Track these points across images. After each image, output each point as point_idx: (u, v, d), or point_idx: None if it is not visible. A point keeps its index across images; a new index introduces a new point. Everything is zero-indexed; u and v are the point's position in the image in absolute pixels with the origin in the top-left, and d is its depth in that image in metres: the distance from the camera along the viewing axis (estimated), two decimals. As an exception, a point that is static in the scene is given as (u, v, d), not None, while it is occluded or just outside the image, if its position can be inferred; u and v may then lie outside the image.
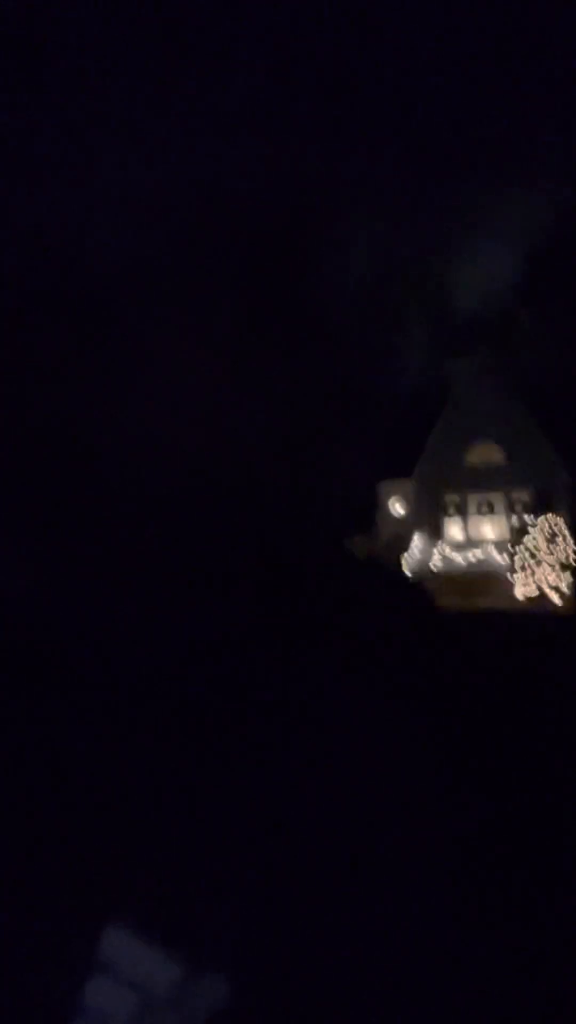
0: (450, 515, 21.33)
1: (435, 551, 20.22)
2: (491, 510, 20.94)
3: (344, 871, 4.20)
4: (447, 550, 20.20)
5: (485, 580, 19.03)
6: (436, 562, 20.04)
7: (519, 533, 19.21)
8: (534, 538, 18.54)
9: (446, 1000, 3.10)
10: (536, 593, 18.02)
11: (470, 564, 19.60)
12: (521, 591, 18.28)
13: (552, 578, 18.05)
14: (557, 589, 17.91)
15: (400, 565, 20.02)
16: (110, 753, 6.46)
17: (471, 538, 20.68)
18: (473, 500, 21.19)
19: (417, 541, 20.64)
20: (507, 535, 19.77)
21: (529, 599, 18.08)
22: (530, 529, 18.72)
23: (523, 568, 18.44)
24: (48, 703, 8.10)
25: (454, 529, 21.19)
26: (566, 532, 18.62)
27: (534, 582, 18.11)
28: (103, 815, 4.91)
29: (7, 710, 7.91)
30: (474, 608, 17.56)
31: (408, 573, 19.79)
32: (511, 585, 18.48)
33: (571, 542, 18.47)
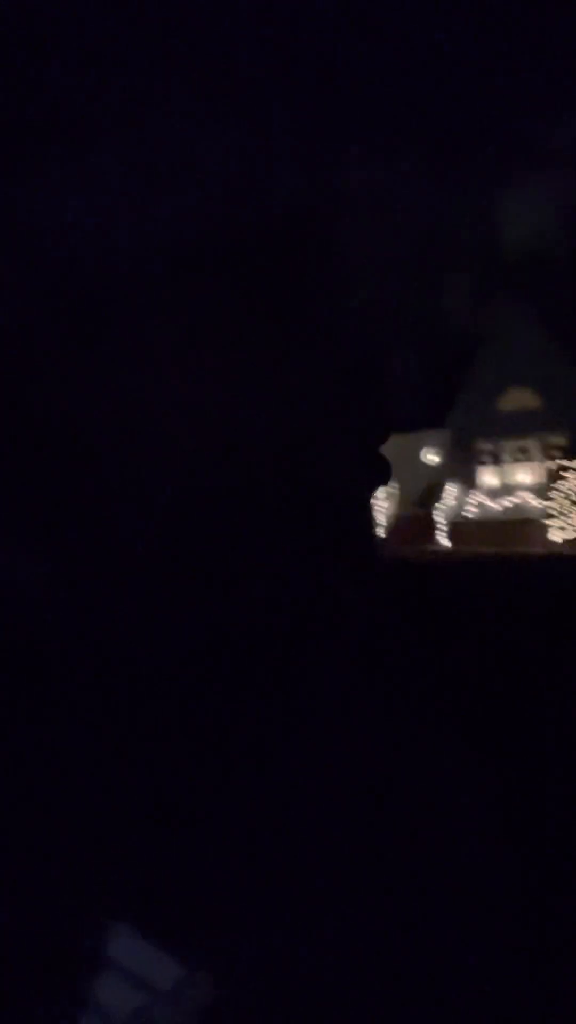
0: (484, 463, 21.22)
1: (469, 499, 20.26)
2: (527, 456, 20.75)
3: (346, 866, 4.40)
4: (482, 498, 20.19)
5: (521, 526, 18.98)
6: (471, 510, 20.06)
7: (555, 478, 19.05)
8: (570, 482, 18.43)
9: (450, 997, 3.27)
10: (572, 537, 17.98)
11: (506, 510, 19.59)
12: (559, 535, 18.23)
13: (590, 521, 17.97)
14: (595, 532, 17.83)
15: (432, 515, 20.12)
16: (112, 750, 6.81)
17: (506, 485, 20.59)
18: (508, 447, 21.02)
19: (451, 490, 20.63)
20: (543, 480, 19.61)
21: (567, 542, 18.04)
22: (565, 473, 18.57)
23: (560, 512, 18.37)
24: (48, 701, 8.52)
25: (489, 476, 21.09)
26: (604, 475, 18.44)
27: (571, 525, 18.06)
28: (105, 812, 5.22)
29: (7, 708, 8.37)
30: (510, 553, 17.60)
31: (442, 522, 19.87)
32: (547, 529, 18.44)
33: (609, 484, 18.30)
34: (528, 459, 20.71)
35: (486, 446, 21.26)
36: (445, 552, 18.76)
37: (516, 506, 19.55)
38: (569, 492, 18.30)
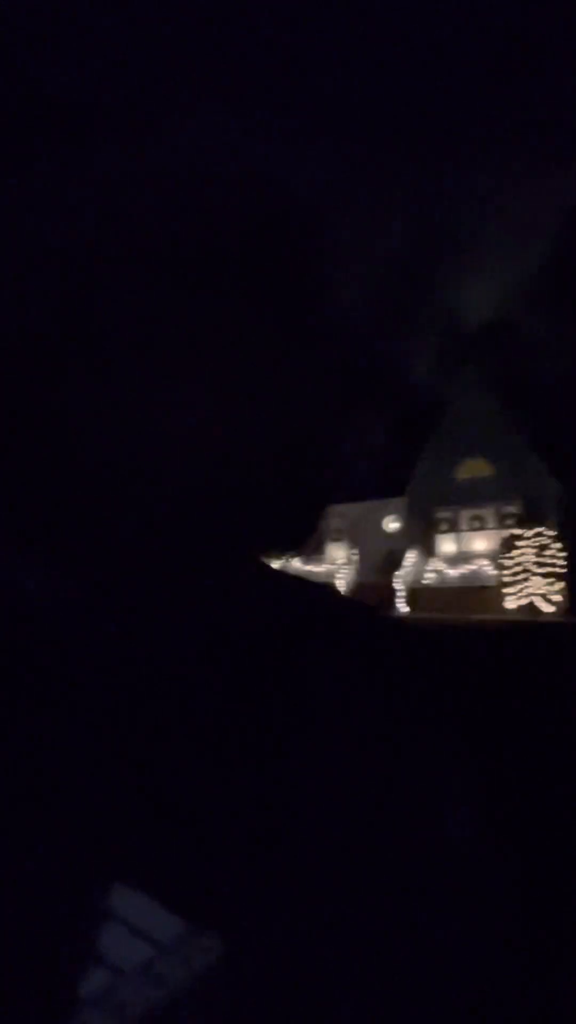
0: (442, 531, 21.86)
1: (428, 567, 20.77)
2: (482, 525, 21.44)
3: (347, 840, 4.44)
4: (440, 565, 20.72)
5: (478, 593, 19.49)
6: (429, 577, 20.55)
7: (510, 546, 19.66)
8: (523, 551, 19.02)
9: (451, 969, 3.35)
10: (526, 603, 18.52)
11: (463, 578, 20.11)
12: (512, 602, 18.76)
13: (542, 588, 18.54)
14: (547, 599, 18.39)
15: (392, 581, 20.53)
16: (112, 727, 6.77)
17: (463, 552, 21.19)
18: (464, 515, 21.71)
19: (411, 557, 21.14)
20: (497, 548, 20.24)
21: (520, 609, 18.56)
22: (519, 543, 19.20)
23: (513, 580, 18.92)
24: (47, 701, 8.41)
25: (447, 544, 21.69)
26: (555, 544, 19.10)
27: (524, 594, 18.60)
28: (108, 784, 5.22)
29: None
30: (466, 621, 18.02)
31: (401, 588, 20.29)
32: (503, 597, 18.97)
33: (560, 553, 18.95)
34: (483, 527, 21.41)
35: (444, 514, 21.95)
36: (403, 618, 19.11)
37: (472, 573, 20.08)
38: (521, 561, 18.90)
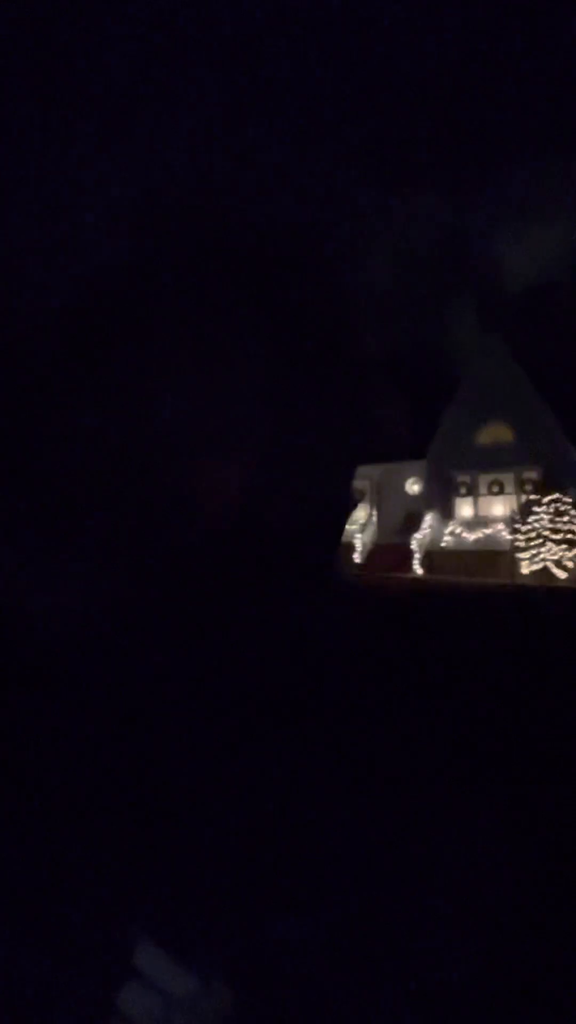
0: (461, 495, 22.22)
1: (446, 530, 21.22)
2: (501, 489, 21.74)
3: (346, 887, 4.39)
4: (458, 529, 21.15)
5: (493, 557, 19.91)
6: (446, 540, 21.03)
7: (527, 511, 19.97)
8: (540, 517, 19.34)
9: (447, 1012, 3.40)
10: (540, 568, 18.92)
11: (478, 542, 20.54)
12: (527, 567, 19.17)
13: (557, 554, 18.92)
14: (561, 564, 18.78)
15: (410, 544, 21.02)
16: (126, 774, 6.89)
17: (481, 517, 21.56)
18: (484, 480, 22.01)
19: (429, 520, 21.57)
20: (515, 513, 20.57)
21: (534, 574, 18.97)
22: (536, 508, 19.52)
23: (528, 545, 19.30)
24: (56, 721, 8.58)
25: (465, 508, 22.07)
26: (573, 510, 19.38)
27: (539, 559, 19.00)
28: (127, 832, 5.11)
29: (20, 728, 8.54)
30: (481, 585, 18.51)
31: (417, 551, 20.77)
32: (517, 562, 19.39)
33: (577, 519, 19.26)
34: (502, 492, 21.72)
35: (463, 478, 22.27)
36: (419, 580, 19.67)
37: (488, 537, 20.49)
38: (538, 527, 19.24)
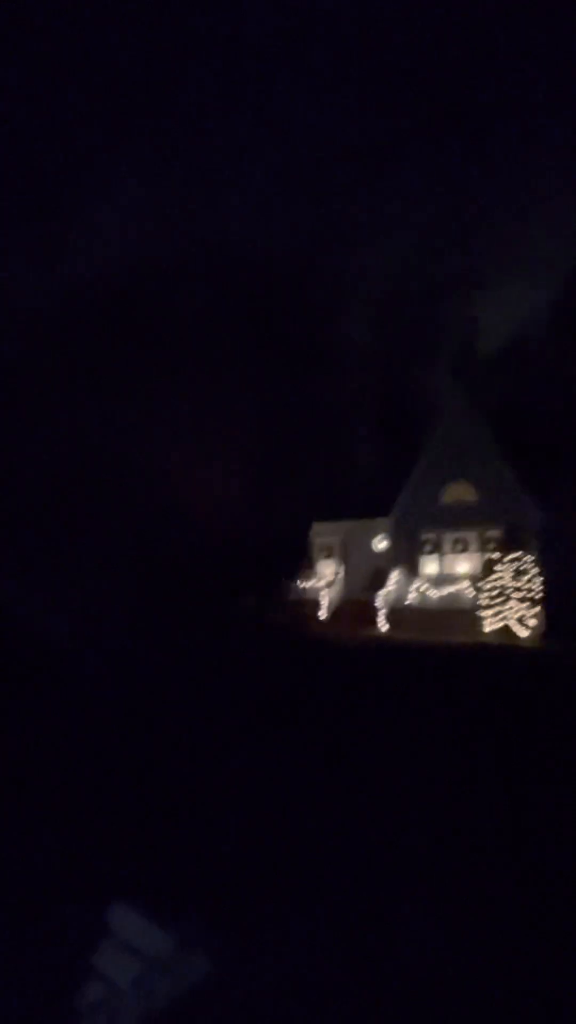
0: (427, 552, 22.63)
1: (411, 587, 21.54)
2: (465, 548, 22.20)
3: (340, 851, 4.62)
4: (423, 586, 21.48)
5: (458, 615, 20.24)
6: (412, 597, 21.33)
7: (490, 570, 20.38)
8: (502, 575, 19.76)
9: (437, 991, 3.40)
10: (501, 626, 19.27)
11: (444, 599, 20.88)
12: (489, 625, 19.51)
13: (518, 612, 19.29)
14: (522, 623, 19.14)
15: (376, 600, 21.27)
16: (115, 748, 7.37)
17: (446, 574, 21.95)
18: (448, 538, 22.47)
19: (395, 577, 21.90)
20: (479, 571, 20.98)
21: (496, 632, 19.30)
22: (498, 567, 19.95)
23: (491, 603, 19.67)
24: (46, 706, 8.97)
25: (430, 566, 22.47)
26: (533, 569, 19.83)
27: (501, 617, 19.36)
28: (112, 806, 5.39)
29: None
30: (444, 642, 18.76)
31: (382, 607, 21.03)
32: (479, 620, 19.72)
33: (538, 579, 19.70)
34: (466, 550, 22.17)
35: (428, 536, 22.72)
36: (383, 637, 19.88)
37: (453, 595, 20.85)
38: (499, 585, 19.64)
